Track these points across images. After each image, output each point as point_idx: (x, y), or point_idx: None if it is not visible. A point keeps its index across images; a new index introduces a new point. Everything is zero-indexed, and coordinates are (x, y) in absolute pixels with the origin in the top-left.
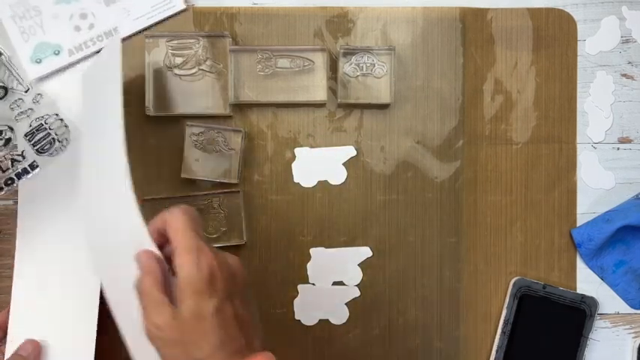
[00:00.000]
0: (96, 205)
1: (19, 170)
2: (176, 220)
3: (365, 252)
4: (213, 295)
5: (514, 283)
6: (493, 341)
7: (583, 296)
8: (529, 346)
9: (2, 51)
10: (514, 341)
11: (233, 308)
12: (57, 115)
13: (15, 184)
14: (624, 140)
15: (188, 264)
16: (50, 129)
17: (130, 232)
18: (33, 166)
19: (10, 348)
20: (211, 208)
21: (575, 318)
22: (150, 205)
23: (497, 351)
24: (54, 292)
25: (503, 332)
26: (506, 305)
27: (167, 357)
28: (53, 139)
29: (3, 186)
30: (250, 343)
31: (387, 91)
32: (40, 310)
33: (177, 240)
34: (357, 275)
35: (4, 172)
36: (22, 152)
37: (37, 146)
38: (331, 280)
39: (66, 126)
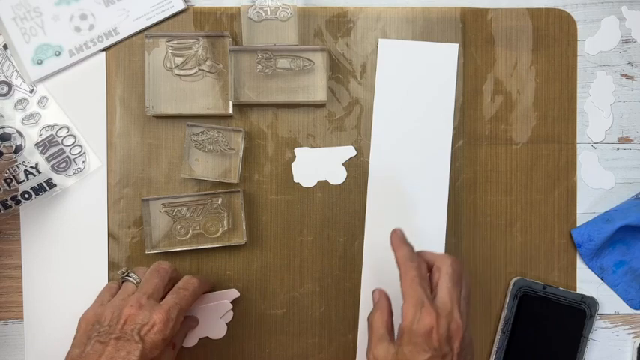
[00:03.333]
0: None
1: (36, 186)
2: (409, 276)
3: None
4: (426, 350)
5: (514, 283)
6: (493, 341)
7: (583, 296)
8: (529, 346)
9: (7, 45)
10: (514, 341)
11: None
12: (68, 129)
13: (32, 199)
14: (624, 140)
15: (410, 315)
16: (64, 145)
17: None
18: (50, 184)
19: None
20: (211, 208)
21: (575, 318)
22: (149, 205)
23: (497, 351)
24: (64, 286)
25: (503, 332)
26: (506, 305)
27: None
28: (68, 157)
29: (20, 199)
30: None
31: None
32: (52, 307)
33: (408, 288)
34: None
35: (19, 183)
36: (37, 165)
37: (52, 162)
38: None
39: (80, 146)
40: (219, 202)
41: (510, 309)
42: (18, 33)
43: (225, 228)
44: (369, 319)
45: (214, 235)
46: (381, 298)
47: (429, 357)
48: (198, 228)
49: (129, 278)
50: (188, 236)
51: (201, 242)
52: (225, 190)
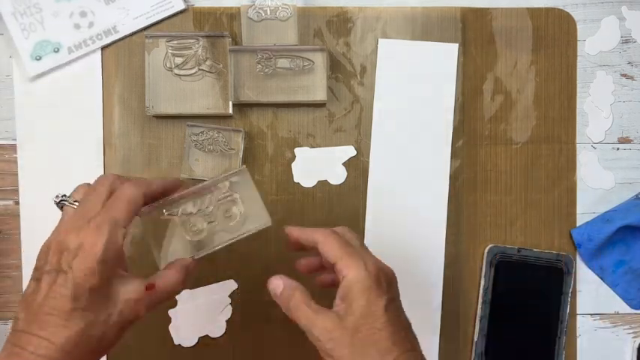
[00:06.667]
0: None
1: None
2: (331, 239)
3: None
4: (381, 294)
5: (488, 251)
6: (475, 312)
7: (558, 254)
8: (512, 311)
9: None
10: (496, 308)
11: (399, 310)
12: None
13: None
14: (624, 140)
15: (355, 266)
16: None
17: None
18: None
19: None
20: (220, 194)
21: (553, 277)
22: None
23: (480, 320)
24: None
25: (484, 301)
26: (483, 274)
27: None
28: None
29: None
30: (415, 348)
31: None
32: None
33: (338, 251)
34: None
35: None
36: None
37: None
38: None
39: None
40: (227, 184)
41: (488, 277)
42: (17, 28)
43: (242, 210)
44: (290, 304)
45: (235, 221)
46: (288, 280)
47: (387, 300)
48: (213, 220)
49: (66, 203)
50: (205, 233)
51: (227, 231)
52: (229, 173)
